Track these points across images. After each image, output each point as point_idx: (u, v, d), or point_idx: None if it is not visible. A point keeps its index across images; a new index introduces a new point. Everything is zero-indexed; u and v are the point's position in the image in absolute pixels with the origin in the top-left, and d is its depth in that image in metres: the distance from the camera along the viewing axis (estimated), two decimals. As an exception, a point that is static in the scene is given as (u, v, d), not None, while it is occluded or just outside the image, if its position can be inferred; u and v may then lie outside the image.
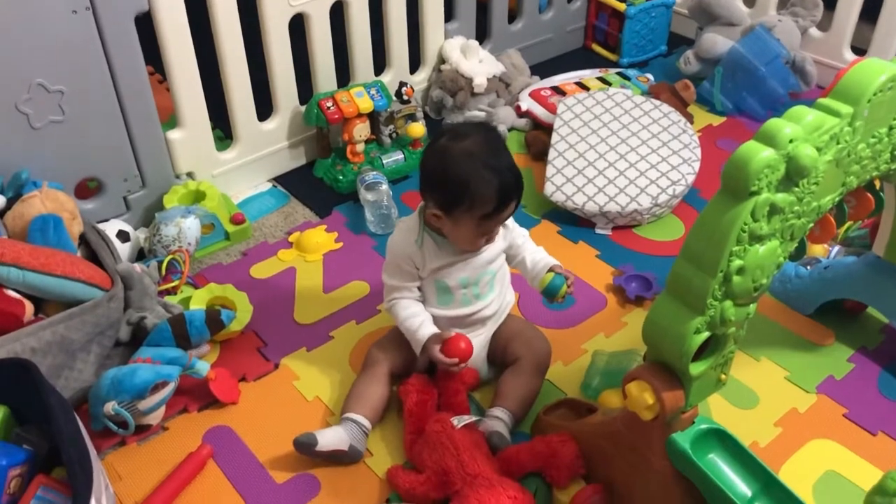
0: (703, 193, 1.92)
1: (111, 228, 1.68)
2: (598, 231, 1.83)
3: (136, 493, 1.30)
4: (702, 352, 1.05)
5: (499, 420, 1.34)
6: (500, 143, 1.33)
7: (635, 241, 1.81)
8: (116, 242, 1.64)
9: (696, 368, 1.05)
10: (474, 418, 1.31)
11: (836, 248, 1.67)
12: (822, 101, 1.01)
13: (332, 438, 1.31)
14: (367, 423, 1.34)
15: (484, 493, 1.17)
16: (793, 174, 0.97)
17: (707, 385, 1.10)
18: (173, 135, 1.78)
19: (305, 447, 1.30)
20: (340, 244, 1.80)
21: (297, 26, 1.87)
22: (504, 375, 1.41)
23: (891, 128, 1.06)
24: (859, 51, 2.25)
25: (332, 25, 1.91)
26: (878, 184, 1.36)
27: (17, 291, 1.36)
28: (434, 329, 1.37)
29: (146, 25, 1.64)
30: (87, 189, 1.75)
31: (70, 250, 1.45)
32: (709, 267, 0.99)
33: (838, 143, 1.00)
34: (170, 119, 1.83)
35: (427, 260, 1.36)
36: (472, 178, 1.25)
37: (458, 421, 1.28)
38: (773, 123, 0.96)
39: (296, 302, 1.65)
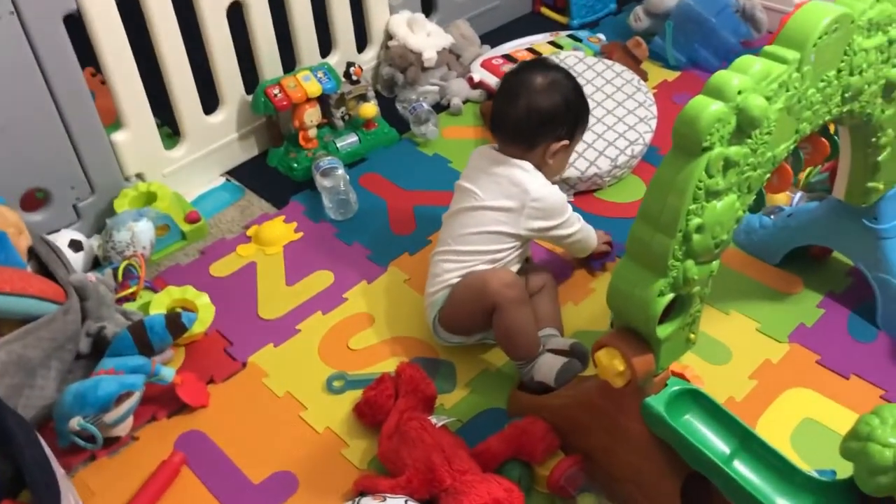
0: (662, 151, 1.90)
1: (62, 238, 1.63)
2: (560, 198, 1.81)
3: (111, 507, 1.27)
4: (668, 313, 1.04)
5: (559, 337, 1.41)
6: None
7: (598, 205, 1.80)
8: (69, 252, 1.60)
9: (663, 331, 1.04)
10: (451, 419, 1.29)
11: (799, 194, 1.66)
12: (768, 48, 0.99)
13: (561, 344, 1.37)
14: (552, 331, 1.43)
15: (480, 486, 1.14)
16: (744, 126, 0.95)
17: (677, 346, 1.09)
18: (118, 137, 1.73)
19: (571, 373, 1.32)
20: (300, 234, 1.76)
21: (236, 14, 1.82)
22: (536, 301, 1.45)
23: (839, 70, 1.05)
24: (808, -7, 2.24)
25: (271, 10, 1.86)
26: (832, 128, 1.35)
27: (-33, 314, 1.32)
28: None
29: (82, 26, 1.58)
30: (35, 200, 1.70)
31: (19, 266, 1.41)
32: (667, 227, 0.97)
33: (788, 90, 0.99)
34: (118, 121, 1.77)
35: None
36: (580, 93, 1.44)
37: (437, 420, 1.26)
38: (720, 76, 0.94)
39: (259, 297, 1.61)
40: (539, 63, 1.49)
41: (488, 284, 1.34)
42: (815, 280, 1.56)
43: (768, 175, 1.05)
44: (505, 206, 1.40)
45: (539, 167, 1.43)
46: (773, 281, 1.57)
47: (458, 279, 1.40)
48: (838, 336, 1.46)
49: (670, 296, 1.01)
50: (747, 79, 0.94)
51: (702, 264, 1.01)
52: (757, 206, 1.41)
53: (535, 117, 1.40)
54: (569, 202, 1.76)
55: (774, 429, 1.31)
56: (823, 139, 1.23)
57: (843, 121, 1.17)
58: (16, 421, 1.15)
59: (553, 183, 1.45)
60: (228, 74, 1.86)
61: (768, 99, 0.96)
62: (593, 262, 1.62)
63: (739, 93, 0.93)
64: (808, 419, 1.33)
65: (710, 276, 1.05)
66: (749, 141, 0.97)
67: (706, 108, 0.92)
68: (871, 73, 1.10)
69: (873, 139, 1.23)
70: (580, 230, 1.48)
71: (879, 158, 1.27)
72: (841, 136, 1.28)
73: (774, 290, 1.55)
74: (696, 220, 0.97)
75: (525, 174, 1.41)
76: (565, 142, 1.43)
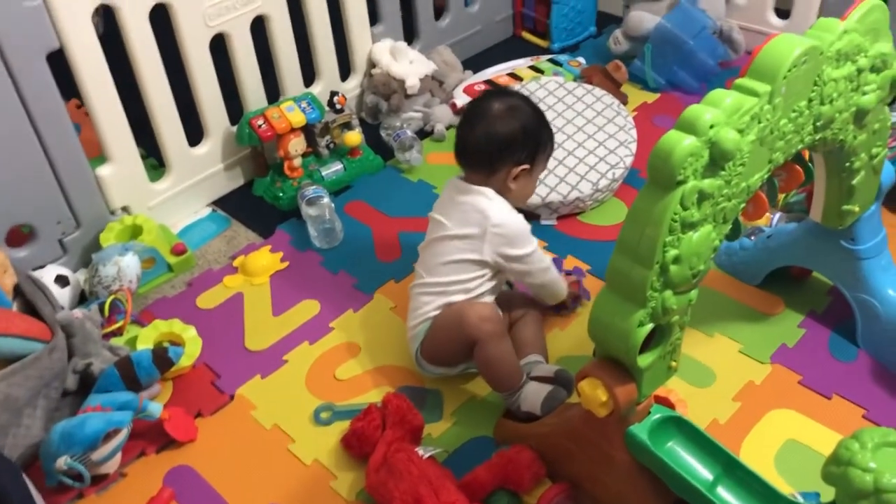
0: (642, 173, 1.90)
1: (49, 274, 1.63)
2: (543, 222, 1.82)
3: (99, 546, 1.27)
4: (648, 343, 1.06)
5: (544, 364, 1.42)
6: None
7: (581, 228, 1.81)
8: (55, 288, 1.60)
9: (644, 360, 1.05)
10: (438, 450, 1.30)
11: (778, 215, 1.68)
12: (740, 81, 1.01)
13: (546, 371, 1.37)
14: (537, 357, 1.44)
15: None
16: (717, 159, 0.97)
17: (658, 374, 1.11)
18: (102, 171, 1.74)
19: (557, 401, 1.33)
20: (286, 264, 1.77)
21: (219, 46, 1.83)
22: (520, 328, 1.48)
23: (810, 100, 1.07)
24: (784, 13, 2.27)
25: (254, 41, 1.88)
26: (806, 154, 1.38)
27: (-48, 355, 1.32)
28: None
29: (65, 59, 1.59)
30: (21, 235, 1.70)
31: (3, 305, 1.41)
32: (645, 259, 0.99)
33: (760, 122, 1.01)
34: (103, 153, 1.78)
35: None
36: (541, 119, 1.45)
37: (424, 451, 1.26)
38: (693, 110, 0.96)
39: (245, 329, 1.62)
40: (499, 91, 1.50)
41: (465, 319, 1.35)
42: (796, 300, 1.58)
43: (743, 204, 1.07)
44: (469, 233, 1.41)
45: (502, 192, 1.43)
46: (754, 302, 1.59)
47: (437, 311, 1.41)
48: (820, 356, 1.48)
49: (650, 326, 1.02)
50: (719, 113, 0.96)
51: (680, 294, 1.03)
52: (734, 234, 1.43)
53: (494, 142, 1.41)
54: (553, 226, 1.81)
55: (758, 451, 1.32)
56: (797, 166, 1.25)
57: (816, 148, 1.19)
58: (2, 464, 1.15)
59: (526, 208, 1.45)
60: (212, 106, 1.87)
61: (740, 131, 0.98)
62: (563, 308, 1.59)
63: (712, 127, 0.95)
64: (792, 440, 1.34)
65: (688, 304, 1.06)
66: (723, 173, 0.99)
67: (679, 142, 0.94)
68: (842, 102, 1.12)
69: (847, 164, 1.25)
70: (547, 270, 1.47)
71: (854, 182, 1.29)
72: (815, 163, 1.30)
73: (756, 310, 1.57)
74: (672, 252, 0.98)
75: (487, 201, 1.41)
76: (525, 166, 1.43)
